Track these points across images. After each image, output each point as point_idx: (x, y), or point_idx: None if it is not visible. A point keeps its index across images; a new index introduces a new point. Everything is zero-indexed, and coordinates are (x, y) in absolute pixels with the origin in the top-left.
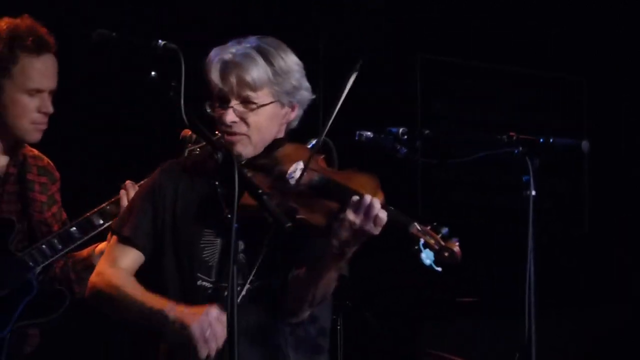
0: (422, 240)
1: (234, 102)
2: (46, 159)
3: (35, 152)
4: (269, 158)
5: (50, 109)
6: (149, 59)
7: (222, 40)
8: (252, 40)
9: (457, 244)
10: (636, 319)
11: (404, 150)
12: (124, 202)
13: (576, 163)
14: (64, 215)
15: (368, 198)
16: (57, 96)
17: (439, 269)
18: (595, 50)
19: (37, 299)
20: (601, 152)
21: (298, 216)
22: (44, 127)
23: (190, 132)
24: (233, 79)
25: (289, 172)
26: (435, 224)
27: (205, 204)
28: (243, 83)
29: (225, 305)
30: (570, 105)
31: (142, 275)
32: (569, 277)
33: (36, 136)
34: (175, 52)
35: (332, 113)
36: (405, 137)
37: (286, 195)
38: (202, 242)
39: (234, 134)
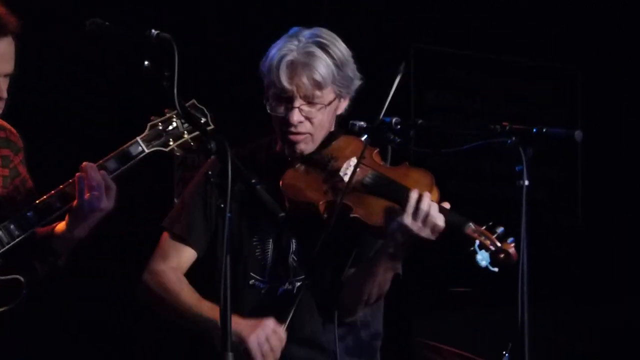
0: (477, 242)
1: (299, 102)
2: (8, 128)
3: None
4: (323, 153)
5: (3, 94)
6: (143, 49)
7: (219, 36)
8: (307, 35)
9: (513, 245)
10: (629, 310)
11: (397, 140)
12: (81, 185)
13: (570, 153)
14: (29, 184)
15: (426, 205)
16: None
17: (496, 269)
18: (590, 40)
19: None
20: (595, 142)
21: (352, 215)
22: None
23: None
24: (303, 80)
25: (342, 168)
26: (490, 223)
27: (254, 201)
28: (312, 83)
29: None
30: (565, 96)
31: (194, 272)
32: (562, 268)
33: None
34: (168, 41)
35: (383, 108)
36: (399, 126)
37: (340, 192)
38: (254, 240)
39: (299, 133)
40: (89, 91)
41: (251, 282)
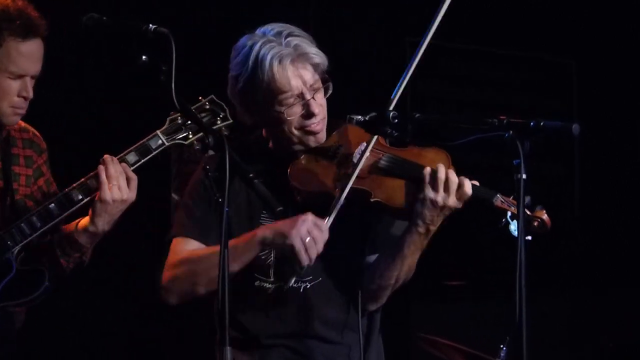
0: (509, 213)
1: (310, 93)
2: (32, 130)
3: (22, 124)
4: (330, 142)
5: (30, 94)
6: (140, 43)
7: (212, 18)
8: (276, 31)
9: (544, 211)
10: (626, 303)
11: (394, 134)
12: (102, 177)
13: (567, 146)
14: (54, 187)
15: (443, 172)
16: (45, 77)
17: (529, 238)
18: (585, 31)
19: (17, 279)
20: (592, 134)
21: (372, 199)
22: (23, 111)
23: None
24: (308, 69)
25: (354, 154)
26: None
27: (252, 201)
28: (314, 69)
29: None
30: (560, 88)
31: None
32: (560, 261)
33: (14, 119)
34: (166, 36)
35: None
36: (396, 120)
37: (353, 178)
38: None
39: (318, 123)
40: (100, 88)
41: (256, 283)
